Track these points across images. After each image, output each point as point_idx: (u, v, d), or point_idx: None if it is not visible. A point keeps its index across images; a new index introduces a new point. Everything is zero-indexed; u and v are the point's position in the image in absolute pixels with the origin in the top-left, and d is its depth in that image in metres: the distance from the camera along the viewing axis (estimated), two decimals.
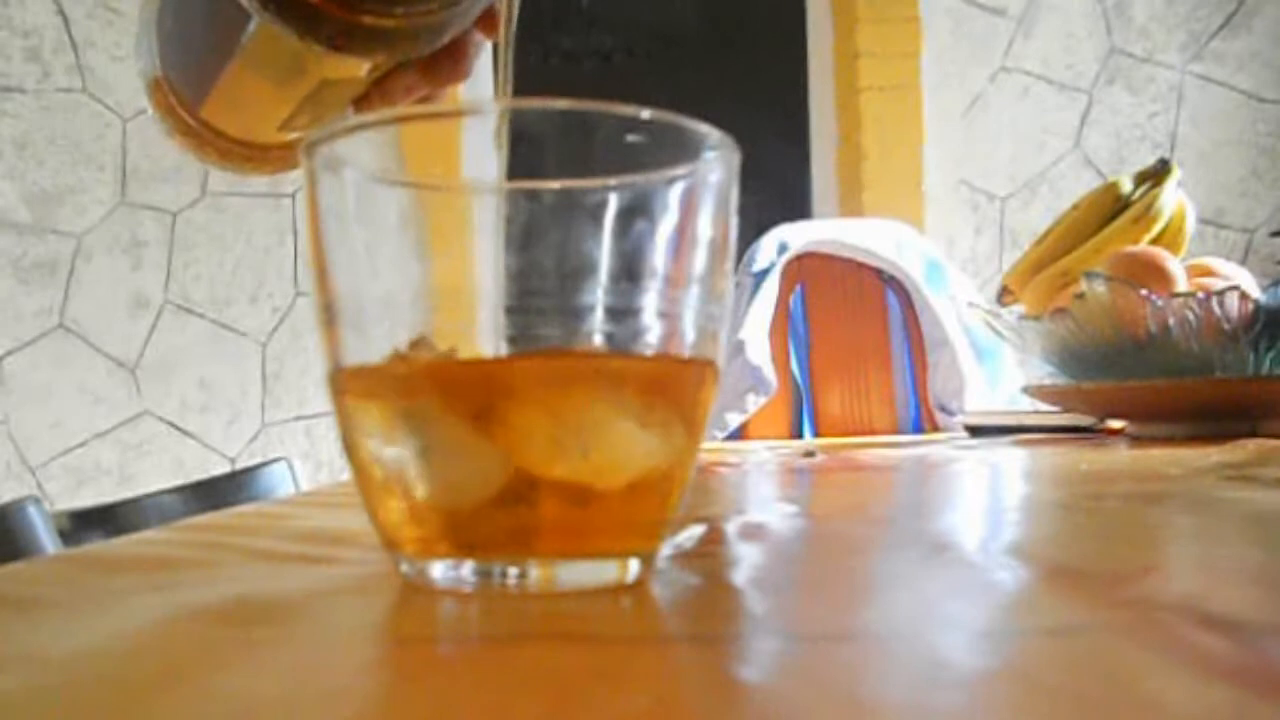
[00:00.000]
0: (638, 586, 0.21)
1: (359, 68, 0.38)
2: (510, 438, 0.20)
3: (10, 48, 1.89)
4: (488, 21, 0.39)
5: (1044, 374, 0.78)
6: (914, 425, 1.02)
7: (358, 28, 0.35)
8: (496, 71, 0.31)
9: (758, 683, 0.15)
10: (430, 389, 0.20)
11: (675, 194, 0.21)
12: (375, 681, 0.15)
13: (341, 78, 0.39)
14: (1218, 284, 0.69)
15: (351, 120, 0.21)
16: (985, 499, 0.41)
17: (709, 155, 0.21)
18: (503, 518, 0.20)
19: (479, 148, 0.21)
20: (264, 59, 0.38)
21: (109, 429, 1.89)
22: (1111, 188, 0.87)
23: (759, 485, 0.46)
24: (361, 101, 0.41)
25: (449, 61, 0.40)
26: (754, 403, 0.96)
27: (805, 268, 1.04)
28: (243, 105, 0.41)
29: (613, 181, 0.21)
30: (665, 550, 0.25)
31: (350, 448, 0.22)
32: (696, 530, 0.28)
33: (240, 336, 1.92)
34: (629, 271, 0.21)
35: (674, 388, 0.21)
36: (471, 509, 0.20)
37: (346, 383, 0.21)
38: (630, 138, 0.21)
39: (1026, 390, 0.77)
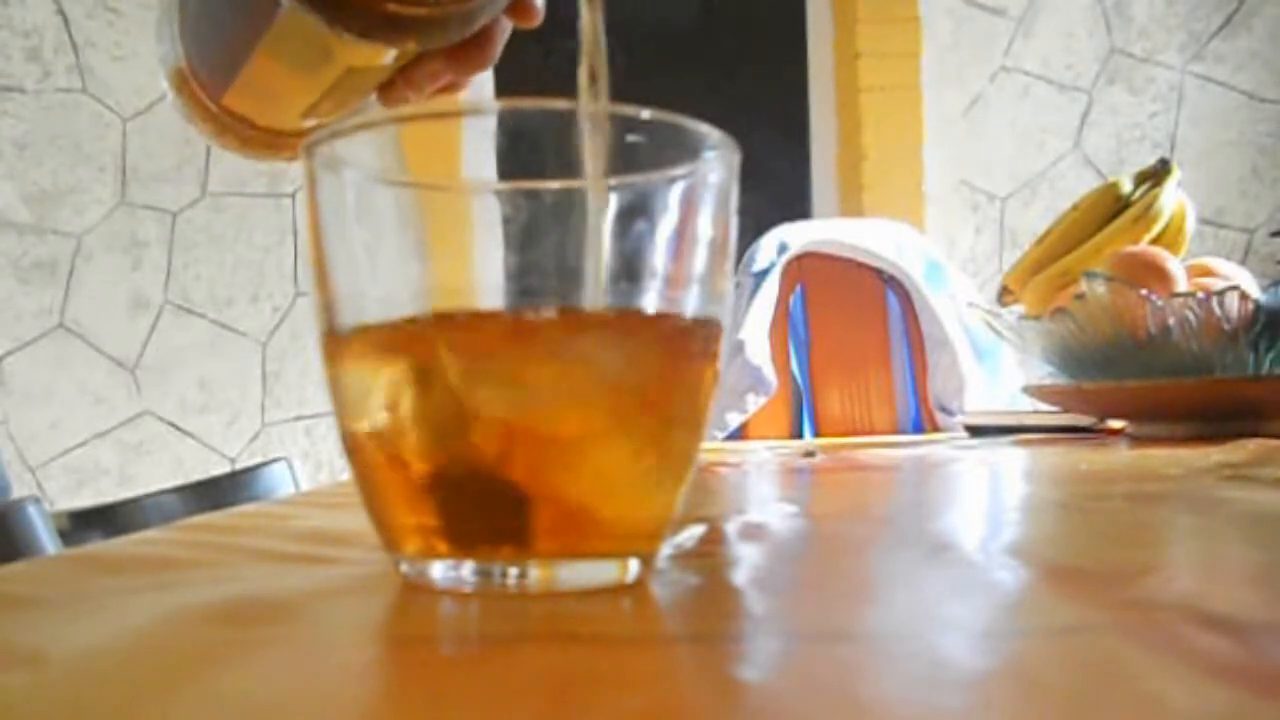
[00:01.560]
0: (638, 586, 0.21)
1: (385, 55, 0.38)
2: (508, 388, 0.20)
3: (10, 48, 1.89)
4: (518, 8, 0.39)
5: (1044, 374, 0.78)
6: (914, 425, 1.02)
7: (389, 16, 0.34)
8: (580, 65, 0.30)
9: (758, 683, 0.15)
10: (435, 337, 0.20)
11: (675, 194, 0.21)
12: (375, 681, 0.15)
13: (367, 65, 0.38)
14: (1218, 284, 0.69)
15: (352, 120, 0.21)
16: (985, 499, 0.41)
17: (709, 155, 0.21)
18: (497, 480, 0.20)
19: (479, 148, 0.21)
20: (289, 47, 0.37)
21: (109, 429, 1.89)
22: (1111, 188, 0.87)
23: (759, 485, 0.46)
24: (386, 88, 0.41)
25: (475, 48, 0.39)
26: (754, 403, 0.96)
27: (805, 268, 1.04)
28: (266, 93, 0.41)
29: (613, 181, 0.21)
30: (665, 550, 0.25)
31: (345, 411, 0.21)
32: (696, 530, 0.28)
33: (240, 336, 1.92)
34: (629, 271, 0.21)
35: (676, 348, 0.21)
36: (464, 460, 0.20)
37: (349, 339, 0.21)
38: (630, 138, 0.21)
39: (1026, 390, 0.77)
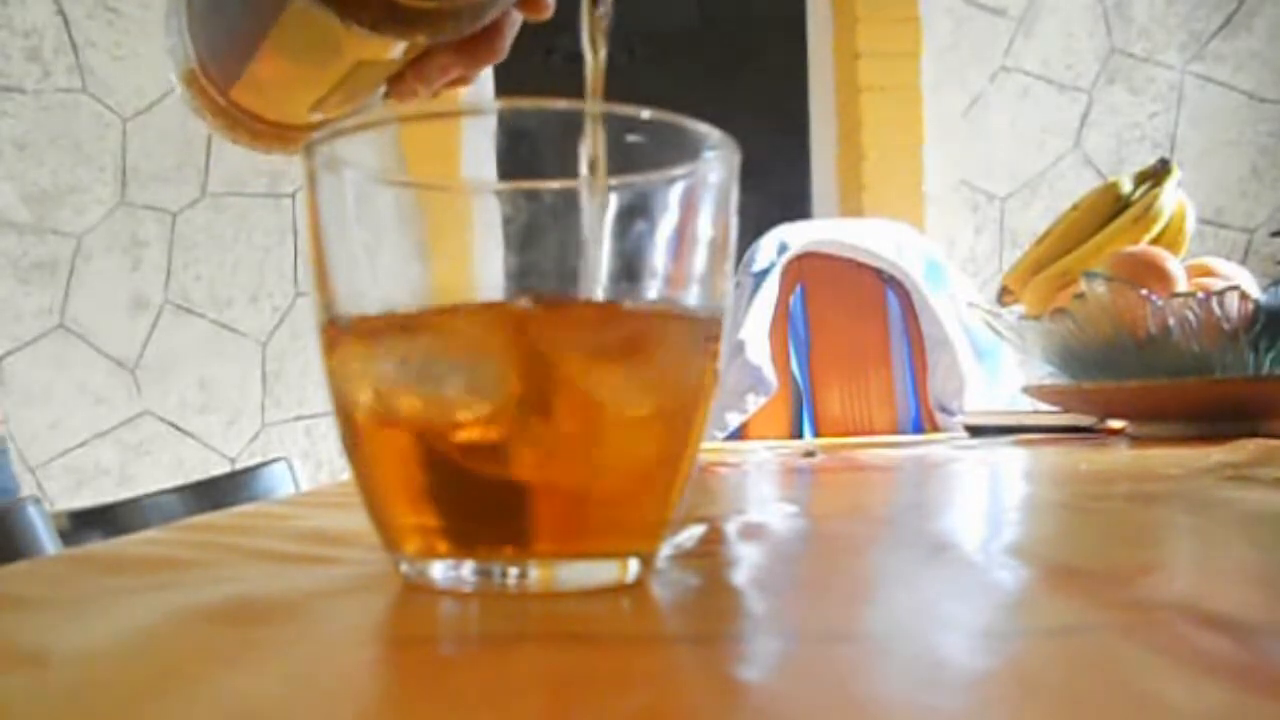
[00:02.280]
0: (638, 586, 0.21)
1: (394, 49, 0.38)
2: (513, 365, 0.20)
3: (10, 48, 1.89)
4: (529, 0, 0.39)
5: (1044, 374, 0.78)
6: (914, 425, 1.02)
7: (400, 9, 0.34)
8: (586, 64, 0.29)
9: (758, 683, 0.15)
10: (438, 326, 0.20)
11: (675, 194, 0.21)
12: (375, 681, 0.15)
13: (376, 59, 0.38)
14: (1218, 284, 0.69)
15: (352, 120, 0.21)
16: (985, 499, 0.41)
17: (709, 155, 0.21)
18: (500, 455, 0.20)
19: (479, 148, 0.21)
20: (299, 41, 0.37)
21: (109, 429, 1.89)
22: (1111, 188, 0.87)
23: (759, 485, 0.46)
24: (396, 81, 0.40)
25: (485, 41, 0.39)
26: (754, 403, 0.96)
27: (805, 268, 1.04)
28: (276, 87, 0.41)
29: (613, 181, 0.21)
30: (665, 550, 0.25)
31: (344, 405, 0.21)
32: (696, 530, 0.28)
33: (240, 336, 1.92)
34: (629, 271, 0.21)
35: (678, 335, 0.21)
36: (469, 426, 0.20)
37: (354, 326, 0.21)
38: (630, 138, 0.21)
39: (1026, 390, 0.77)
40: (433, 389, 0.20)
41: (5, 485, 0.85)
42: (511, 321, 0.20)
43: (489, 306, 0.21)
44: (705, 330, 0.22)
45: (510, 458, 0.20)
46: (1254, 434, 0.64)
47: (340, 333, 0.21)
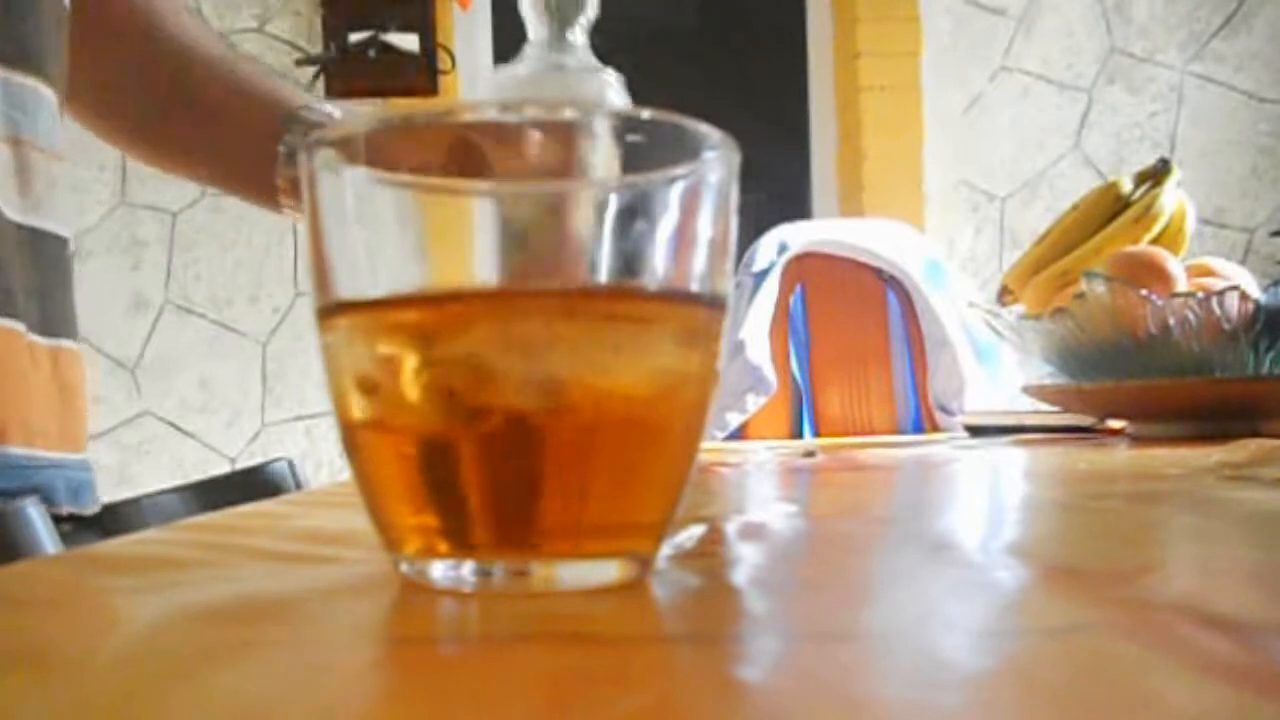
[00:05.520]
0: (638, 586, 0.21)
1: None
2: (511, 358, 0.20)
3: None
4: None
5: (1044, 374, 0.78)
6: (914, 425, 1.02)
7: None
8: None
9: (758, 683, 0.15)
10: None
11: (675, 194, 0.21)
12: (375, 681, 0.15)
13: None
14: (1218, 284, 0.69)
15: (351, 121, 0.21)
16: (985, 499, 0.41)
17: (709, 155, 0.21)
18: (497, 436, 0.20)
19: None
20: None
21: (109, 429, 1.89)
22: (1111, 188, 0.87)
23: (759, 485, 0.46)
24: None
25: None
26: (754, 403, 0.96)
27: (805, 268, 1.04)
28: None
29: (613, 181, 0.21)
30: (665, 550, 0.25)
31: (343, 402, 0.21)
32: (696, 530, 0.28)
33: (240, 336, 1.92)
34: (629, 271, 0.21)
35: (681, 321, 0.21)
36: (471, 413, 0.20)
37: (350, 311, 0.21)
38: (630, 138, 0.21)
39: (1026, 390, 0.77)
40: (433, 383, 0.20)
41: None
42: (511, 312, 0.20)
43: (490, 296, 0.21)
44: (706, 329, 0.22)
45: (510, 455, 0.20)
46: (1254, 434, 0.64)
47: (339, 331, 0.21)
